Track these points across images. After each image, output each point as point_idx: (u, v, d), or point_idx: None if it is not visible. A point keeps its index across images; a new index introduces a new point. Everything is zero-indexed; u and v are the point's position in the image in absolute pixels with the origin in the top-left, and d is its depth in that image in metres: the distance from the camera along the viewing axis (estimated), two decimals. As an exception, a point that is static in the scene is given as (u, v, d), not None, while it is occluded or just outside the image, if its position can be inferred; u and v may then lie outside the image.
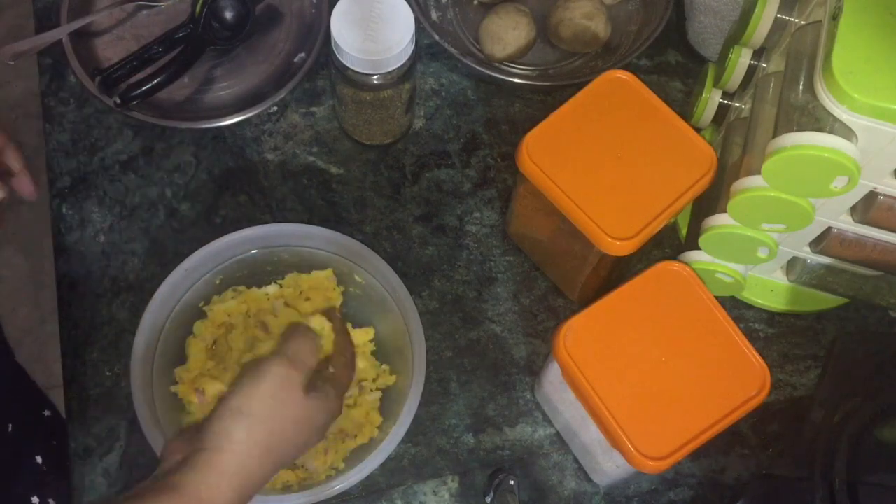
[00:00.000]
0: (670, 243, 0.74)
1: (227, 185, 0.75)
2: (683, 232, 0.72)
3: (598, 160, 0.60)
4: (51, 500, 0.81)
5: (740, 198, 0.56)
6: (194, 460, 0.47)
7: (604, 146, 0.60)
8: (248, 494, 0.48)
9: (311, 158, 0.76)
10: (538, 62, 0.80)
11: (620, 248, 0.58)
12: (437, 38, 0.75)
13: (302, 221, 0.69)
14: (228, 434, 0.47)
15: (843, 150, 0.49)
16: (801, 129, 0.50)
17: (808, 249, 0.65)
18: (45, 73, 0.77)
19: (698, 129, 0.71)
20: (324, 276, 0.67)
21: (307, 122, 0.77)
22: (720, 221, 0.60)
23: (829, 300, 0.71)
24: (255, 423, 0.48)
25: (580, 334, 0.56)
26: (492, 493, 0.65)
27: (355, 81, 0.67)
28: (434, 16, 0.79)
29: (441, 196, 0.75)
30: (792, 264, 0.69)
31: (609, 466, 0.61)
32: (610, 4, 0.80)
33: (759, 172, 0.54)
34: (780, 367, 0.71)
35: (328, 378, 0.55)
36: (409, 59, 0.66)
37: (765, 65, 0.64)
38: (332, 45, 0.65)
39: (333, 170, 0.76)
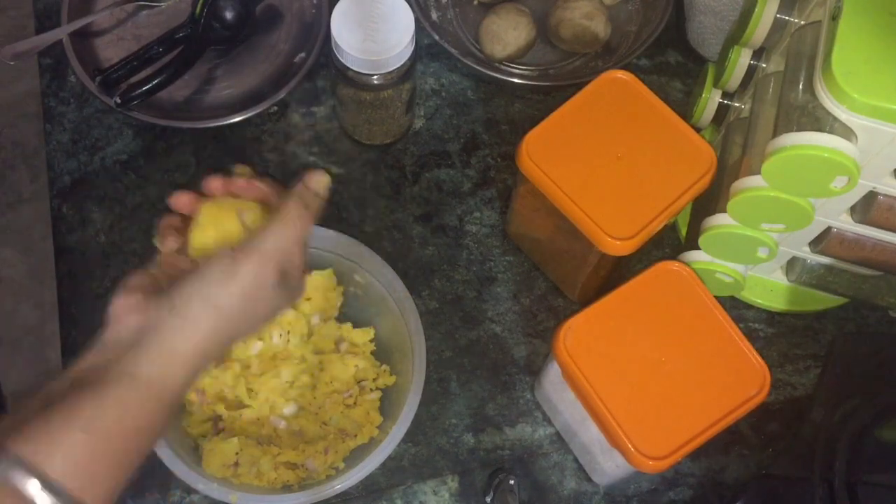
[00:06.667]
0: (670, 243, 0.74)
1: (227, 185, 0.75)
2: (683, 232, 0.72)
3: (598, 160, 0.60)
4: None
5: (740, 198, 0.56)
6: (153, 344, 0.45)
7: (604, 146, 0.60)
8: (199, 373, 0.47)
9: (312, 158, 0.76)
10: (538, 62, 0.80)
11: (620, 248, 0.58)
12: (437, 38, 0.75)
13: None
14: (195, 324, 0.46)
15: (843, 150, 0.49)
16: (800, 129, 0.50)
17: (807, 249, 0.65)
18: (45, 73, 0.77)
19: (698, 129, 0.71)
20: (324, 276, 0.67)
21: (307, 122, 0.77)
22: (720, 221, 0.60)
23: (828, 300, 0.71)
24: (223, 318, 0.46)
25: (580, 334, 0.56)
26: (492, 493, 0.65)
27: (355, 81, 0.67)
28: (434, 16, 0.79)
29: (441, 196, 0.75)
30: (792, 264, 0.69)
31: (609, 466, 0.61)
32: (610, 4, 0.80)
33: (758, 172, 0.54)
34: (779, 367, 0.71)
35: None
36: (409, 59, 0.66)
37: (764, 65, 0.64)
38: (332, 45, 0.65)
39: (333, 170, 0.76)
